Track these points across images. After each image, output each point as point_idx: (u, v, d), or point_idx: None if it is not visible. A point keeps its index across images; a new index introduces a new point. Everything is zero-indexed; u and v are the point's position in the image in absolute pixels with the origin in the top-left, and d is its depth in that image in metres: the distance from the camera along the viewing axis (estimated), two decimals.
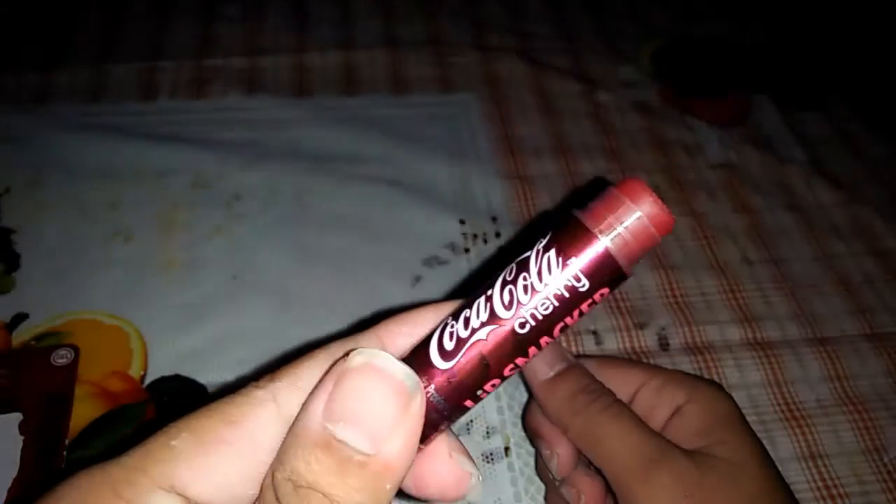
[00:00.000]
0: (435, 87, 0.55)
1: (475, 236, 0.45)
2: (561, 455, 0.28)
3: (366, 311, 0.40)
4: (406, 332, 0.19)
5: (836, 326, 0.42)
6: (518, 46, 0.59)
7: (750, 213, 0.48)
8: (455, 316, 0.18)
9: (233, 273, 0.42)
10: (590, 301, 0.17)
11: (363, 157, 0.49)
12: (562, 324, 0.17)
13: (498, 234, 0.45)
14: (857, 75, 0.59)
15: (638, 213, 0.16)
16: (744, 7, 0.64)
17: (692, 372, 0.39)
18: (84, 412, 0.35)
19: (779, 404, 0.38)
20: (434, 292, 0.42)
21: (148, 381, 0.37)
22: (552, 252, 0.17)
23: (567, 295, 0.16)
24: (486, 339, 0.17)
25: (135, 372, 0.37)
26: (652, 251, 0.45)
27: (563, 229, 0.17)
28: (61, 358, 0.37)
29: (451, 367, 0.17)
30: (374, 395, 0.16)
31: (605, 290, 0.17)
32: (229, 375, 0.37)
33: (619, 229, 0.16)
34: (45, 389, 0.36)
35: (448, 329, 0.18)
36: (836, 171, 0.51)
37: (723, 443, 0.26)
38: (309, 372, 0.18)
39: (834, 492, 0.35)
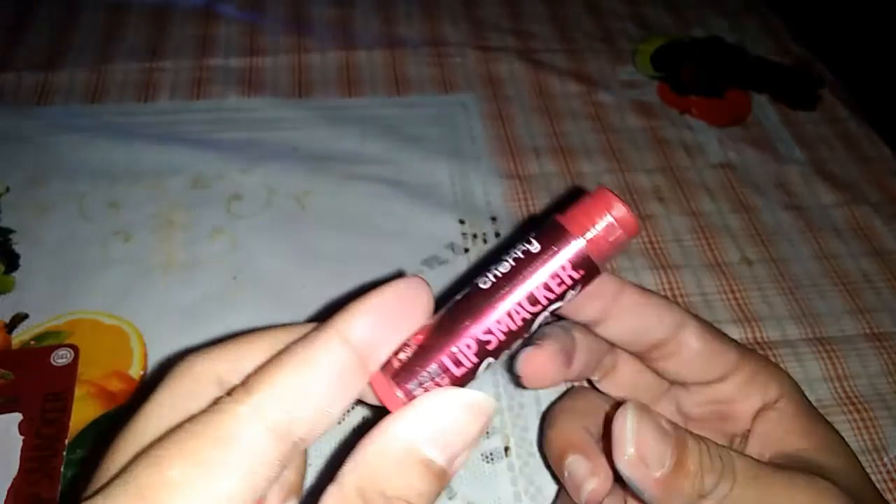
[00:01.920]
0: (435, 88, 0.55)
1: (475, 236, 0.45)
2: (601, 479, 0.25)
3: None
4: (367, 319, 0.18)
5: (836, 326, 0.42)
6: (518, 46, 0.59)
7: (749, 213, 0.48)
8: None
9: (232, 273, 0.42)
10: (557, 279, 0.19)
11: (363, 157, 0.49)
12: (531, 292, 0.19)
13: (497, 234, 0.45)
14: (856, 74, 0.59)
15: (609, 218, 0.18)
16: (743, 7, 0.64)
17: None
18: (84, 412, 0.35)
19: None
20: (434, 292, 0.41)
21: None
22: (537, 247, 0.19)
23: (521, 255, 0.19)
24: (459, 298, 0.19)
25: (134, 372, 0.37)
26: (652, 251, 0.45)
27: (547, 230, 0.19)
28: (61, 358, 0.37)
29: (434, 318, 0.20)
30: (461, 422, 0.18)
31: (572, 271, 0.19)
32: None
33: (594, 231, 0.19)
34: (44, 389, 0.36)
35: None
36: (835, 170, 0.51)
37: (825, 449, 0.25)
38: (289, 380, 0.17)
39: None
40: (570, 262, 0.19)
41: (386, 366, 0.19)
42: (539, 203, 0.47)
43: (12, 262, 0.41)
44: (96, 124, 0.50)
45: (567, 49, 0.59)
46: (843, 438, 0.26)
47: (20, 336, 0.38)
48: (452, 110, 0.53)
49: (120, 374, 0.37)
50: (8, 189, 0.45)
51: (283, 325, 0.21)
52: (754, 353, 0.27)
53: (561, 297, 0.19)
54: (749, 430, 0.26)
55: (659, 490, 0.21)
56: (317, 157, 0.49)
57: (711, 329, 0.26)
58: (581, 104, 0.55)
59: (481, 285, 0.19)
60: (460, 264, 0.43)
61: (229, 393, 0.17)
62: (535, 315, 0.19)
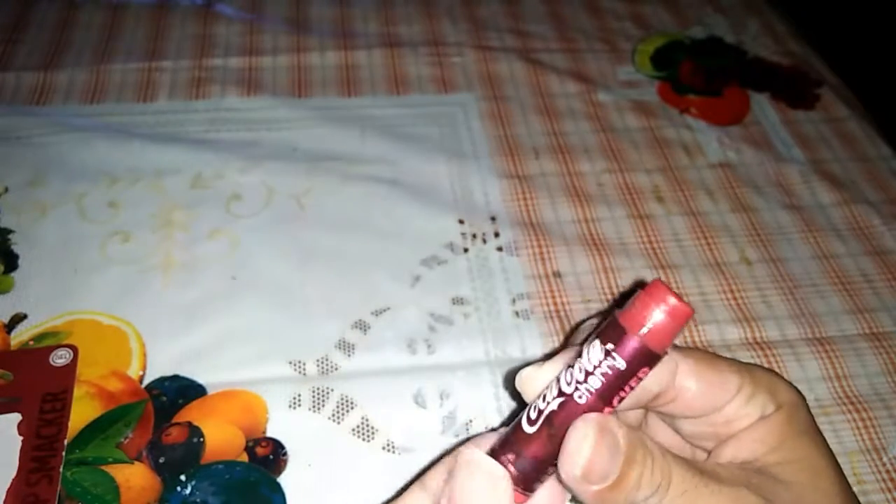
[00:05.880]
0: (434, 87, 0.55)
1: (474, 236, 0.45)
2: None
3: (365, 312, 0.40)
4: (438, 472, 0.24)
5: (836, 326, 0.42)
6: (517, 46, 0.59)
7: (749, 213, 0.48)
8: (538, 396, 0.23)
9: (232, 273, 0.42)
10: (632, 374, 0.21)
11: (362, 157, 0.49)
12: (616, 395, 0.22)
13: (497, 234, 0.45)
14: (856, 74, 0.59)
15: (662, 313, 0.21)
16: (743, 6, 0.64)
17: None
18: (83, 412, 0.35)
19: None
20: (433, 292, 0.42)
21: (147, 381, 0.37)
22: (597, 341, 0.22)
23: (609, 371, 0.21)
24: (556, 409, 0.22)
25: (133, 372, 0.37)
26: (651, 251, 0.45)
27: (607, 325, 0.22)
28: (60, 358, 0.37)
29: (535, 431, 0.22)
30: (475, 486, 0.22)
31: (646, 370, 0.22)
32: (229, 376, 0.37)
33: (649, 325, 0.21)
34: (43, 389, 0.36)
35: (533, 404, 0.23)
36: (835, 170, 0.51)
37: (793, 462, 0.25)
38: None
39: None
40: (648, 367, 0.21)
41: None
42: (539, 202, 0.47)
43: (11, 262, 0.41)
44: (95, 124, 0.50)
45: (566, 49, 0.59)
46: (828, 455, 0.25)
47: (19, 336, 0.38)
48: (452, 110, 0.53)
49: (119, 374, 0.37)
50: (7, 189, 0.45)
51: None
52: (754, 369, 0.26)
53: (634, 387, 0.22)
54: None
55: (593, 499, 0.22)
56: (316, 157, 0.49)
57: (706, 360, 0.25)
58: (580, 104, 0.55)
59: (578, 400, 0.22)
60: (459, 264, 0.43)
61: None
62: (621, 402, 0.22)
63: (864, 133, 0.54)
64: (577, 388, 0.22)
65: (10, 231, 0.43)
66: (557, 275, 0.43)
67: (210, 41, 0.57)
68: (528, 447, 0.22)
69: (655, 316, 0.21)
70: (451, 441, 0.36)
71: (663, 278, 0.43)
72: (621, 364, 0.21)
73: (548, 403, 0.22)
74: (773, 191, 0.49)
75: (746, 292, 0.43)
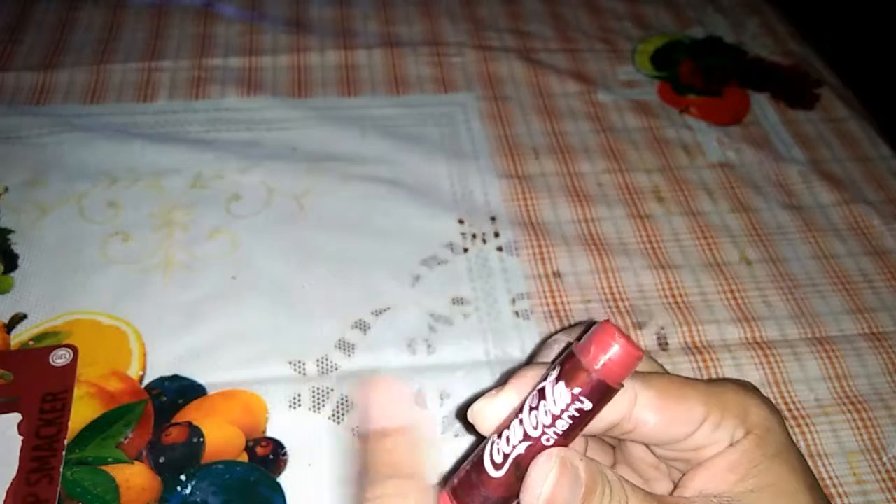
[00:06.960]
0: (434, 87, 0.55)
1: (474, 236, 0.45)
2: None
3: (365, 312, 0.40)
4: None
5: (836, 326, 0.42)
6: (517, 46, 0.59)
7: (749, 213, 0.48)
8: (499, 434, 0.23)
9: (232, 273, 0.42)
10: (596, 413, 0.22)
11: (362, 157, 0.49)
12: (578, 431, 0.23)
13: (497, 234, 0.45)
14: (856, 74, 0.59)
15: (617, 349, 0.22)
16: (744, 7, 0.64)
17: (691, 372, 0.39)
18: (83, 412, 0.35)
19: (778, 404, 0.38)
20: (433, 292, 0.42)
21: (147, 381, 0.37)
22: (561, 384, 0.22)
23: (577, 414, 0.22)
24: (523, 453, 0.22)
25: (133, 372, 0.37)
26: (651, 251, 0.45)
27: (566, 364, 0.22)
28: (60, 358, 0.37)
29: (502, 476, 0.23)
30: None
31: (605, 404, 0.22)
32: (229, 376, 0.37)
33: (604, 360, 0.22)
34: (43, 390, 0.36)
35: (495, 446, 0.23)
36: (835, 170, 0.51)
37: (765, 488, 0.24)
38: None
39: (833, 491, 0.35)
40: (607, 402, 0.22)
41: None
42: (539, 202, 0.47)
43: (11, 262, 0.41)
44: (95, 124, 0.50)
45: (566, 49, 0.59)
46: (802, 475, 0.25)
47: (19, 336, 0.38)
48: (452, 110, 0.53)
49: (119, 374, 0.37)
50: (7, 189, 0.45)
51: None
52: (725, 392, 0.25)
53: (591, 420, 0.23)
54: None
55: None
56: (316, 157, 0.49)
57: (671, 389, 0.25)
58: (580, 104, 0.55)
59: (546, 443, 0.22)
60: (459, 264, 0.43)
61: None
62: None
63: (864, 133, 0.54)
64: (543, 432, 0.22)
65: (10, 231, 0.43)
66: (557, 275, 0.43)
67: (210, 41, 0.57)
68: (496, 490, 0.23)
69: (614, 354, 0.22)
70: (451, 441, 0.36)
71: (663, 278, 0.43)
72: (588, 406, 0.22)
73: (513, 447, 0.22)
74: (773, 191, 0.49)
75: (746, 292, 0.43)
